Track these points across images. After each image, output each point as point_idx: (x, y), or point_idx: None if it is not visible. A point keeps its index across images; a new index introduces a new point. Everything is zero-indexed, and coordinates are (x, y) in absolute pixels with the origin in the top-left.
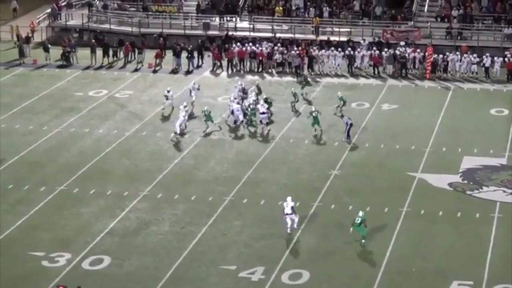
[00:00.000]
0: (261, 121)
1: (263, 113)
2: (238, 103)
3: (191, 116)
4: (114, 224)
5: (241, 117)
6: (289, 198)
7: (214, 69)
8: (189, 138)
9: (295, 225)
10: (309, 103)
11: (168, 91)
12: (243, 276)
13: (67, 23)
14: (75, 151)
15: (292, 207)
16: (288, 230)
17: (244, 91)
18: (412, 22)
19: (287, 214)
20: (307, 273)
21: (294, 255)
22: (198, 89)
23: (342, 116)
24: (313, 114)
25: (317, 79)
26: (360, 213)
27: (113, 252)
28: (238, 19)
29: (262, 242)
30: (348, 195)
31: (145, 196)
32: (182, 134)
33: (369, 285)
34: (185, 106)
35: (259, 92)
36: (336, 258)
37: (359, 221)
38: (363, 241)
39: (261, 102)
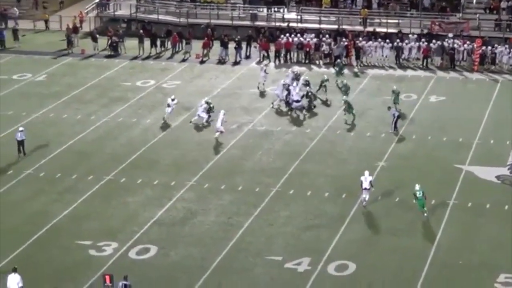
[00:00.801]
0: (294, 108)
1: (297, 101)
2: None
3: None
4: (161, 214)
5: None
6: (366, 172)
7: (261, 59)
8: (237, 129)
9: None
10: (344, 92)
11: (173, 99)
12: (289, 267)
13: (115, 13)
14: (122, 141)
15: (371, 182)
16: (364, 203)
17: (297, 78)
18: (461, 14)
19: (365, 188)
20: (353, 264)
21: (340, 246)
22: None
23: (389, 108)
24: (346, 101)
25: (364, 71)
26: (417, 186)
27: (159, 241)
28: (285, 10)
29: (308, 233)
30: (394, 187)
31: (192, 186)
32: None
33: (415, 277)
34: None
35: (296, 78)
36: (382, 249)
37: (421, 194)
38: (425, 214)
39: (297, 89)
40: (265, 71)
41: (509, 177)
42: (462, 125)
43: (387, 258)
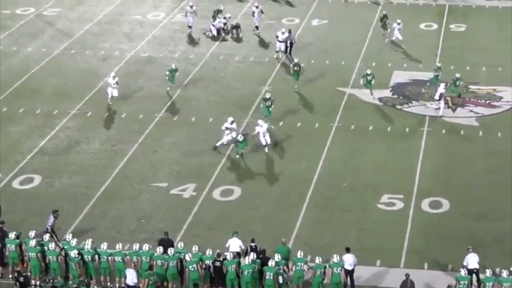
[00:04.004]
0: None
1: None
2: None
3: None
4: (44, 143)
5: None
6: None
7: None
8: (119, 55)
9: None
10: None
11: (114, 77)
12: (174, 193)
13: None
14: (3, 69)
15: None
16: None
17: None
18: None
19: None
20: (239, 189)
21: (225, 172)
22: None
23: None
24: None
25: None
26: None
27: (43, 171)
28: None
29: (193, 159)
30: (278, 111)
31: (75, 114)
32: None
33: (301, 200)
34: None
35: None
36: (267, 174)
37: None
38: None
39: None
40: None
41: (391, 99)
42: (344, 48)
43: (272, 183)
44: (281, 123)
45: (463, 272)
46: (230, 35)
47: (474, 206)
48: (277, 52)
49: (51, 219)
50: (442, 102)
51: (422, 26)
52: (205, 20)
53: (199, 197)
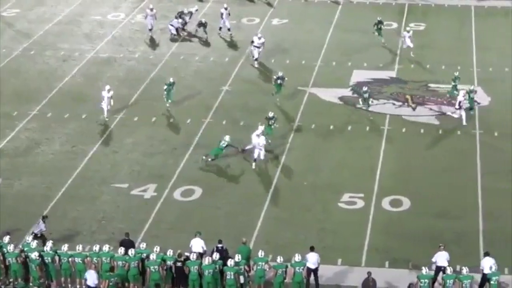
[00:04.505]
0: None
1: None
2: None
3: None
4: (4, 144)
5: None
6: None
7: None
8: (79, 56)
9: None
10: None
11: (109, 91)
12: (135, 194)
13: None
14: None
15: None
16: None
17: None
18: None
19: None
20: (200, 189)
21: (186, 172)
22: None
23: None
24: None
25: None
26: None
27: (3, 172)
28: None
29: (153, 160)
30: (239, 111)
31: (35, 115)
32: None
33: (261, 200)
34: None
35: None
36: (229, 174)
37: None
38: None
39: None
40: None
41: (352, 98)
42: (304, 47)
43: (233, 182)
44: (241, 123)
45: (424, 270)
46: (197, 32)
47: (435, 204)
48: (255, 59)
49: (41, 224)
50: (462, 110)
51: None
52: (165, 20)
53: (160, 198)
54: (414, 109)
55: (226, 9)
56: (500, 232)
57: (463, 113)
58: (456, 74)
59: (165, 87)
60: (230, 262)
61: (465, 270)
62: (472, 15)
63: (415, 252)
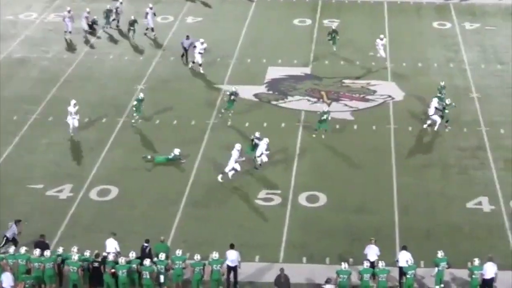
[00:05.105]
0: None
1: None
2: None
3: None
4: None
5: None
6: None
7: None
8: None
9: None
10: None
11: (75, 105)
12: (51, 195)
13: None
14: None
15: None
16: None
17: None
18: None
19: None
20: (116, 188)
21: (101, 172)
22: None
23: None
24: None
25: None
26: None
27: None
28: None
29: (69, 160)
30: (154, 109)
31: None
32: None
33: (178, 198)
34: None
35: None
36: (146, 174)
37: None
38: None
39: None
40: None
41: (267, 94)
42: (219, 45)
43: (149, 181)
44: (157, 122)
45: (343, 265)
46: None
47: (351, 199)
48: (199, 65)
49: (13, 228)
50: (437, 116)
51: (295, 21)
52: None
53: (76, 198)
54: (329, 105)
55: (151, 8)
56: (416, 226)
57: (438, 119)
58: (442, 83)
59: (135, 102)
60: (145, 262)
61: (381, 264)
62: (385, 10)
63: (333, 247)
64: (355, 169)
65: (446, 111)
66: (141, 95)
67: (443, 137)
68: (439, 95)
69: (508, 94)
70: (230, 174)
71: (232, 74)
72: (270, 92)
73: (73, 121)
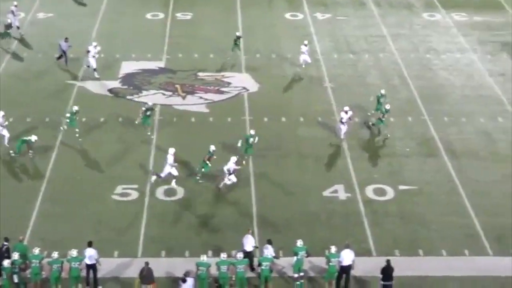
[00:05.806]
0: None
1: None
2: None
3: None
4: None
5: None
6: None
7: None
8: None
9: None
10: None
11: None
12: None
13: None
14: None
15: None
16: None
17: None
18: None
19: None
20: None
21: None
22: None
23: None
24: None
25: None
26: None
27: None
28: None
29: None
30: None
31: None
32: None
33: (34, 195)
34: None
35: None
36: None
37: None
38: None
39: None
40: None
41: (121, 89)
42: (71, 41)
43: (4, 178)
44: (11, 119)
45: (202, 258)
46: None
47: (207, 191)
48: (94, 70)
49: None
50: (345, 125)
51: (148, 16)
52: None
53: None
54: (184, 98)
55: (16, 6)
56: (274, 216)
57: (344, 128)
58: (383, 91)
59: (68, 115)
60: (4, 263)
61: (239, 255)
62: (237, 3)
63: (191, 240)
64: (212, 160)
65: (383, 119)
66: (75, 108)
67: (298, 127)
68: (377, 104)
69: (360, 83)
70: (173, 182)
71: (86, 70)
72: (125, 86)
73: (2, 130)
